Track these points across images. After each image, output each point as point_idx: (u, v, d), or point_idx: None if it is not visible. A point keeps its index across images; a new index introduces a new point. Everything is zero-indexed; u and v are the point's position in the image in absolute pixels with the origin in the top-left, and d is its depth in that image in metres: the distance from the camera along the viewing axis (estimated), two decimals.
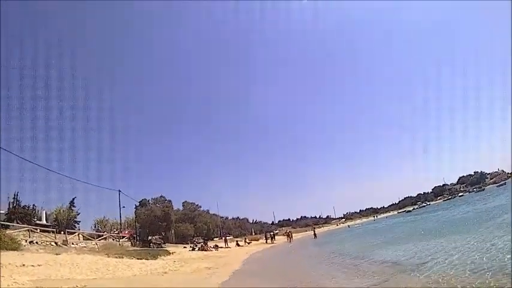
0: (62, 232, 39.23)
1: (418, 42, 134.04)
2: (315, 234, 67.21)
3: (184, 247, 50.58)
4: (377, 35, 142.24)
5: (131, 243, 49.18)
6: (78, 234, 42.97)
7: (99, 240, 42.97)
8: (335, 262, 21.08)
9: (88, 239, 41.28)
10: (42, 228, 39.71)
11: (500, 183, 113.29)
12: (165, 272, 21.17)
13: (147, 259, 30.04)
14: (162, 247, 47.87)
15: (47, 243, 31.67)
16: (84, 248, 33.92)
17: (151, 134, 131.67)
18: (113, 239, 47.90)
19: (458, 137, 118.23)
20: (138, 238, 53.55)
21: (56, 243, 32.66)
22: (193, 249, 46.77)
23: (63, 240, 34.83)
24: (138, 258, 29.28)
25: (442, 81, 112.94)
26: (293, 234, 70.53)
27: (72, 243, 35.94)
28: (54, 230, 40.45)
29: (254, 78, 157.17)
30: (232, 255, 40.24)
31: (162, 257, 34.06)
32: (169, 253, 38.14)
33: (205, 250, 46.28)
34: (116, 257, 28.24)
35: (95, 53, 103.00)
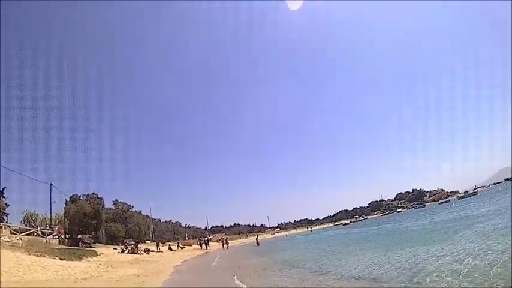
0: None
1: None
2: (257, 241, 65.25)
3: (115, 248, 47.07)
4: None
5: (59, 240, 45.44)
6: (1, 226, 39.52)
7: (25, 235, 39.79)
8: (291, 275, 18.78)
9: (14, 233, 38.41)
10: None
11: (443, 200, 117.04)
12: (84, 279, 18.49)
13: (71, 260, 27.05)
14: (91, 247, 44.31)
15: None
16: (6, 243, 30.53)
17: (94, 129, 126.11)
18: (40, 235, 44.21)
19: (396, 155, 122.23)
20: (66, 236, 49.71)
21: None
22: (123, 251, 43.53)
23: None
24: (60, 258, 26.17)
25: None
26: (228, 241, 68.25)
27: None
28: None
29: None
30: (164, 260, 37.70)
31: (88, 258, 30.87)
32: (96, 254, 34.80)
33: (136, 253, 43.30)
34: (37, 255, 24.94)
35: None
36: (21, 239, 34.83)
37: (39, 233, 46.18)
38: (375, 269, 16.10)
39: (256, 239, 68.65)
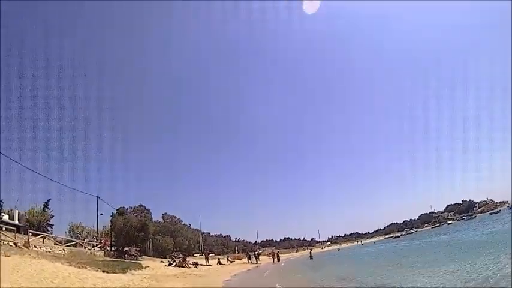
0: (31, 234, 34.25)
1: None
2: (311, 255, 61.88)
3: (162, 261, 44.87)
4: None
5: (104, 252, 43.98)
6: (44, 237, 37.70)
7: (68, 245, 37.98)
8: None
9: (57, 244, 36.69)
10: (8, 227, 34.83)
11: (493, 211, 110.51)
12: None
13: (114, 272, 25.06)
14: (137, 259, 42.61)
15: (5, 242, 26.84)
16: (48, 253, 29.17)
17: (138, 143, 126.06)
18: (85, 247, 43.03)
19: (446, 166, 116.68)
20: (112, 248, 48.30)
21: (15, 243, 27.97)
22: (170, 264, 40.95)
23: (25, 242, 29.90)
24: (103, 271, 24.14)
25: (434, 107, 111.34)
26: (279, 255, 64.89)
27: (35, 246, 30.81)
28: (23, 231, 36.63)
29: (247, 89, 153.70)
30: (213, 274, 34.79)
31: (132, 271, 28.67)
32: (142, 267, 32.57)
33: (184, 266, 40.50)
34: (78, 267, 23.24)
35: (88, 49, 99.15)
36: (63, 250, 33.47)
37: (84, 244, 45.06)
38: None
39: (310, 252, 65.43)
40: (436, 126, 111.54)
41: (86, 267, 23.83)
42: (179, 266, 40.00)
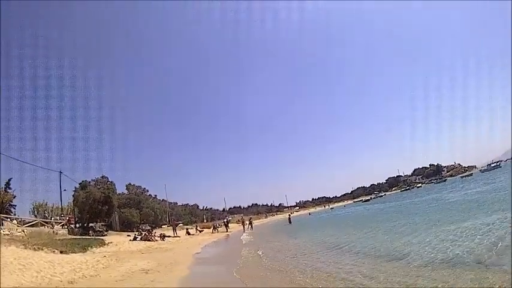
0: None
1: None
2: (290, 220, 62.16)
3: (128, 235, 42.05)
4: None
5: (68, 230, 41.48)
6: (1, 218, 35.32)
7: (30, 226, 36.97)
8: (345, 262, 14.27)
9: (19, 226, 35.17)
10: None
11: (465, 174, 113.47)
12: (71, 282, 13.78)
13: (74, 252, 22.87)
14: (103, 235, 40.59)
15: None
16: (5, 236, 26.47)
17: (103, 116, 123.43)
18: (48, 226, 40.59)
19: (412, 129, 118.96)
20: (76, 225, 45.84)
21: None
22: (135, 238, 38.34)
23: None
24: (61, 251, 21.89)
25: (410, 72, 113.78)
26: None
27: None
28: None
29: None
30: (181, 247, 32.39)
31: (94, 248, 26.36)
32: (104, 243, 30.19)
33: (150, 240, 38.25)
34: (34, 249, 20.74)
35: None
36: (23, 231, 31.25)
37: (46, 223, 42.63)
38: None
39: (289, 217, 65.62)
40: (410, 91, 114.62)
41: (42, 249, 21.35)
42: (145, 240, 37.64)
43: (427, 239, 15.44)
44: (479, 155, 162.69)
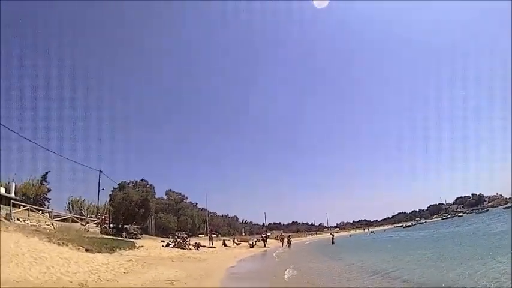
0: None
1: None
2: (332, 240, 57.64)
3: (163, 241, 39.91)
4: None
5: (101, 229, 40.25)
6: (31, 209, 34.17)
7: (60, 220, 36.12)
8: None
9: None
10: None
11: (507, 205, 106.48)
12: (82, 284, 11.52)
13: (100, 252, 21.20)
14: (136, 238, 38.94)
15: None
16: (32, 227, 25.63)
17: (146, 121, 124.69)
18: (80, 223, 40.08)
19: (457, 159, 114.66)
20: (110, 225, 44.50)
21: None
22: (168, 245, 36.10)
23: (7, 214, 27.48)
24: (86, 249, 20.27)
25: (445, 98, 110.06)
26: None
27: (18, 219, 28.27)
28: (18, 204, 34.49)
29: (255, 77, 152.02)
30: (215, 259, 30.04)
31: (122, 250, 24.81)
32: (135, 246, 28.52)
33: (183, 248, 35.70)
34: (58, 244, 19.39)
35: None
36: (52, 224, 30.41)
37: (79, 220, 42.26)
38: None
39: (332, 237, 61.18)
40: (450, 118, 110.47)
41: (67, 245, 19.83)
42: (178, 247, 35.24)
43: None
44: None
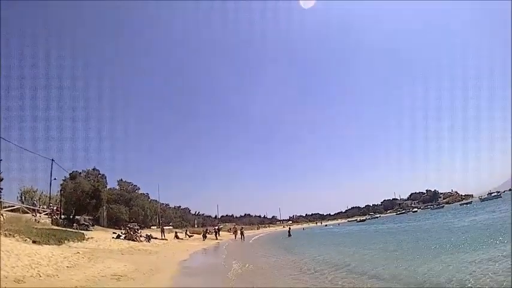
0: None
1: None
2: (289, 233, 57.49)
3: (114, 232, 39.10)
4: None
5: (52, 220, 38.94)
6: None
7: (8, 211, 34.52)
8: None
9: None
10: None
11: (464, 202, 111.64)
12: (19, 280, 11.00)
13: (48, 243, 20.38)
14: (88, 229, 37.89)
15: None
16: None
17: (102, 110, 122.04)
18: (31, 213, 38.26)
19: (412, 155, 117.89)
20: (62, 216, 43.10)
21: None
22: (119, 236, 35.17)
23: None
24: (33, 241, 19.43)
25: (410, 96, 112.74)
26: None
27: None
28: None
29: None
30: (167, 252, 29.51)
31: (71, 242, 23.77)
32: (84, 238, 27.44)
33: (134, 240, 34.85)
34: (5, 235, 18.50)
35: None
36: (2, 215, 28.40)
37: (30, 211, 40.00)
38: None
39: (289, 229, 60.90)
40: (411, 115, 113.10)
41: (14, 236, 18.98)
42: (129, 239, 34.40)
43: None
44: (477, 184, 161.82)
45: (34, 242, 19.49)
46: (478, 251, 15.94)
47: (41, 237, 20.95)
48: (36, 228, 25.63)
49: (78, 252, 19.20)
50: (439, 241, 22.71)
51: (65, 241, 23.38)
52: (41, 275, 12.13)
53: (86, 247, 23.54)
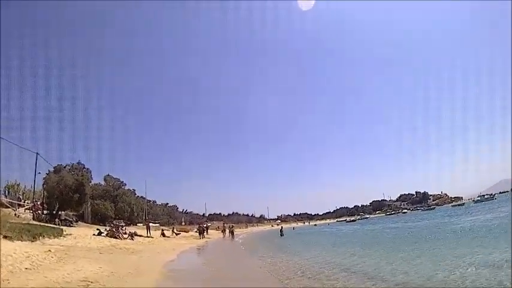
0: None
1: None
2: (281, 232, 54.18)
3: (98, 229, 35.79)
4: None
5: (34, 216, 37.12)
6: None
7: None
8: None
9: None
10: None
11: (456, 203, 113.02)
12: None
13: (21, 239, 18.33)
14: (71, 225, 36.96)
15: None
16: None
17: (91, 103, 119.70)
18: (11, 208, 37.20)
19: (401, 156, 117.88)
20: (44, 211, 41.19)
21: None
22: (100, 233, 32.49)
23: None
24: (5, 236, 17.37)
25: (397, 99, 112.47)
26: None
27: None
28: None
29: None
30: (151, 251, 26.85)
31: (47, 238, 21.72)
32: (61, 234, 25.27)
33: (116, 237, 32.29)
34: None
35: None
36: None
37: (9, 204, 38.68)
38: None
39: (281, 228, 57.84)
40: (399, 117, 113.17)
41: None
42: (111, 236, 32.09)
43: None
44: (465, 187, 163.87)
45: (5, 237, 17.36)
46: None
47: (13, 233, 18.77)
48: (11, 222, 23.45)
49: (50, 250, 16.82)
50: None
51: (40, 237, 21.22)
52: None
53: (61, 244, 21.28)
